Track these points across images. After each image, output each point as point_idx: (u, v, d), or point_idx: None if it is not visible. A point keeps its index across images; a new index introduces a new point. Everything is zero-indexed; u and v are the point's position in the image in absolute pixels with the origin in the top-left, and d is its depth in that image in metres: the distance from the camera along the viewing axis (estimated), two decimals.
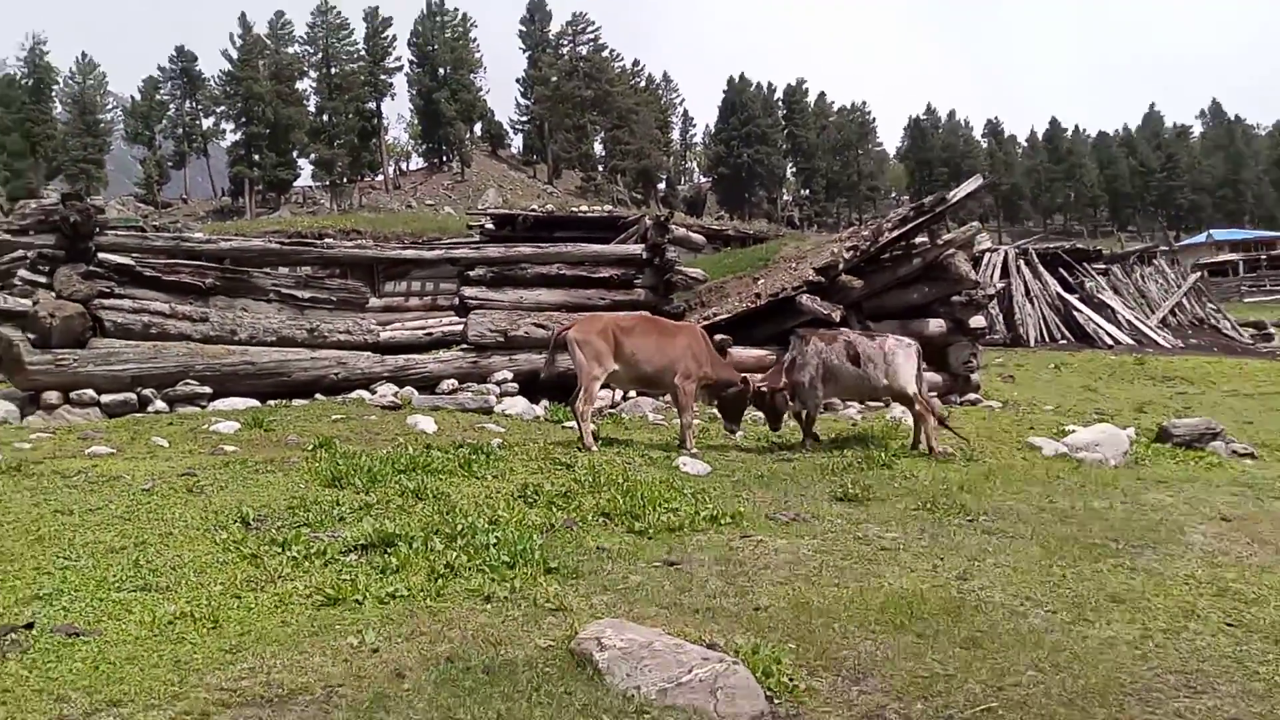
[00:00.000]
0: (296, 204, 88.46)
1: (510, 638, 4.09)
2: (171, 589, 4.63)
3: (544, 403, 11.82)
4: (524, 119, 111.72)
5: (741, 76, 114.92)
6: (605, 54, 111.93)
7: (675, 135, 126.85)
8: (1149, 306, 32.51)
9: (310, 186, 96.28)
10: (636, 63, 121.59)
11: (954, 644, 4.24)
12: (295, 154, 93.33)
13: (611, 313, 11.30)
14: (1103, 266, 33.29)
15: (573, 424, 10.22)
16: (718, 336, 13.23)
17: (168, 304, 11.23)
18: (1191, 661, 4.14)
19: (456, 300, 13.71)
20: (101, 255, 11.03)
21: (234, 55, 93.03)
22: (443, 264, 14.19)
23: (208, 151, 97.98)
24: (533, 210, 25.85)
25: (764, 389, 9.76)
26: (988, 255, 29.48)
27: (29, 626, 4.02)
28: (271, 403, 10.79)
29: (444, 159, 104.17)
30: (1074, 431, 10.16)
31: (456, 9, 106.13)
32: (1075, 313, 29.44)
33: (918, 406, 9.69)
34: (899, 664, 4.01)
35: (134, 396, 10.37)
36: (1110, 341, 27.95)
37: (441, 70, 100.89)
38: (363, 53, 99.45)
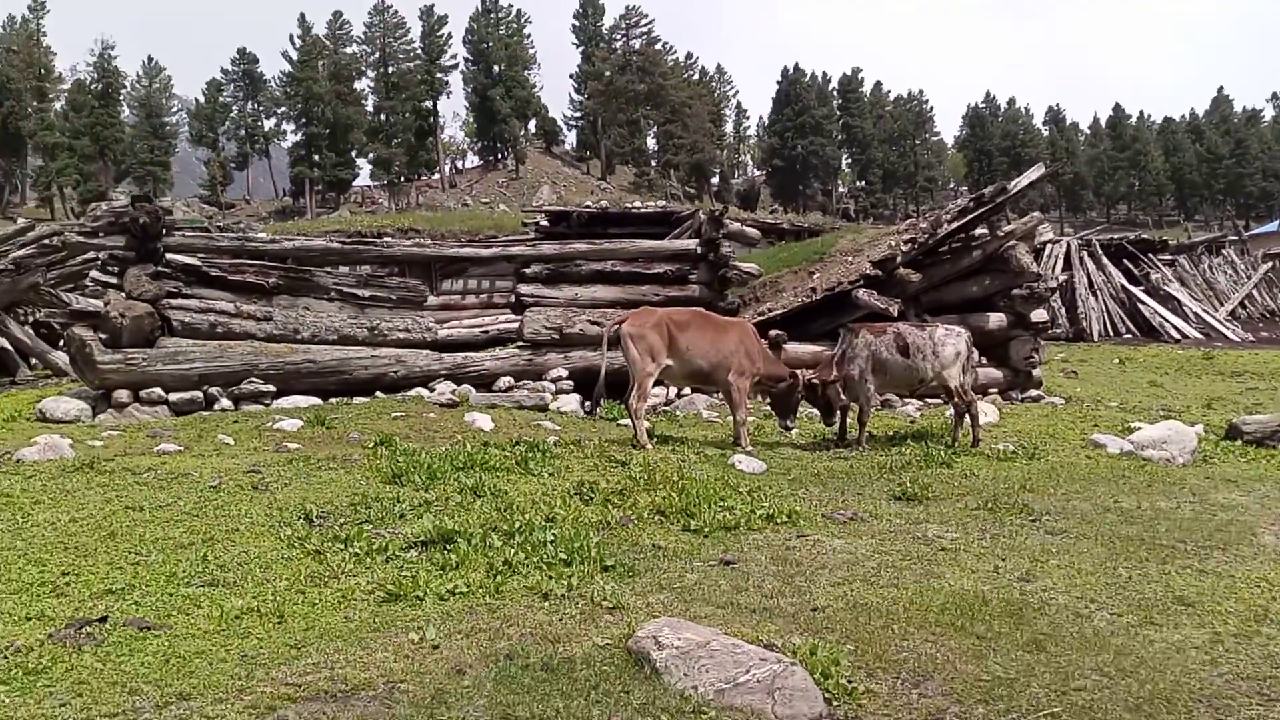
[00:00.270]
0: (355, 203, 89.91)
1: (568, 635, 4.13)
2: (238, 584, 4.75)
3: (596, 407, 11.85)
4: (577, 115, 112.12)
5: (796, 67, 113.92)
6: (658, 47, 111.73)
7: (729, 128, 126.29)
8: (1217, 298, 31.62)
9: (369, 186, 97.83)
10: (690, 55, 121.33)
11: (1016, 647, 4.18)
12: (354, 153, 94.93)
13: (664, 308, 11.30)
14: (1169, 257, 32.43)
15: (627, 421, 10.24)
16: (772, 332, 13.16)
17: (233, 303, 11.48)
18: (1264, 667, 4.03)
19: (512, 297, 13.82)
20: (169, 256, 11.31)
21: (294, 56, 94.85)
22: (499, 261, 14.35)
23: (269, 152, 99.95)
24: (587, 206, 26.02)
25: (815, 381, 9.72)
26: (1049, 247, 28.86)
27: (103, 620, 4.16)
28: (333, 400, 10.99)
29: (499, 156, 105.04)
30: (1139, 429, 9.91)
31: (511, 6, 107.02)
32: (1140, 305, 28.74)
33: (957, 399, 9.64)
34: (960, 667, 3.96)
35: (200, 395, 10.64)
36: (1177, 335, 27.25)
37: (496, 67, 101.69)
38: (419, 51, 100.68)
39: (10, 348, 16.42)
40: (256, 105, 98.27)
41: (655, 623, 4.08)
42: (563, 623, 4.29)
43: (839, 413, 9.90)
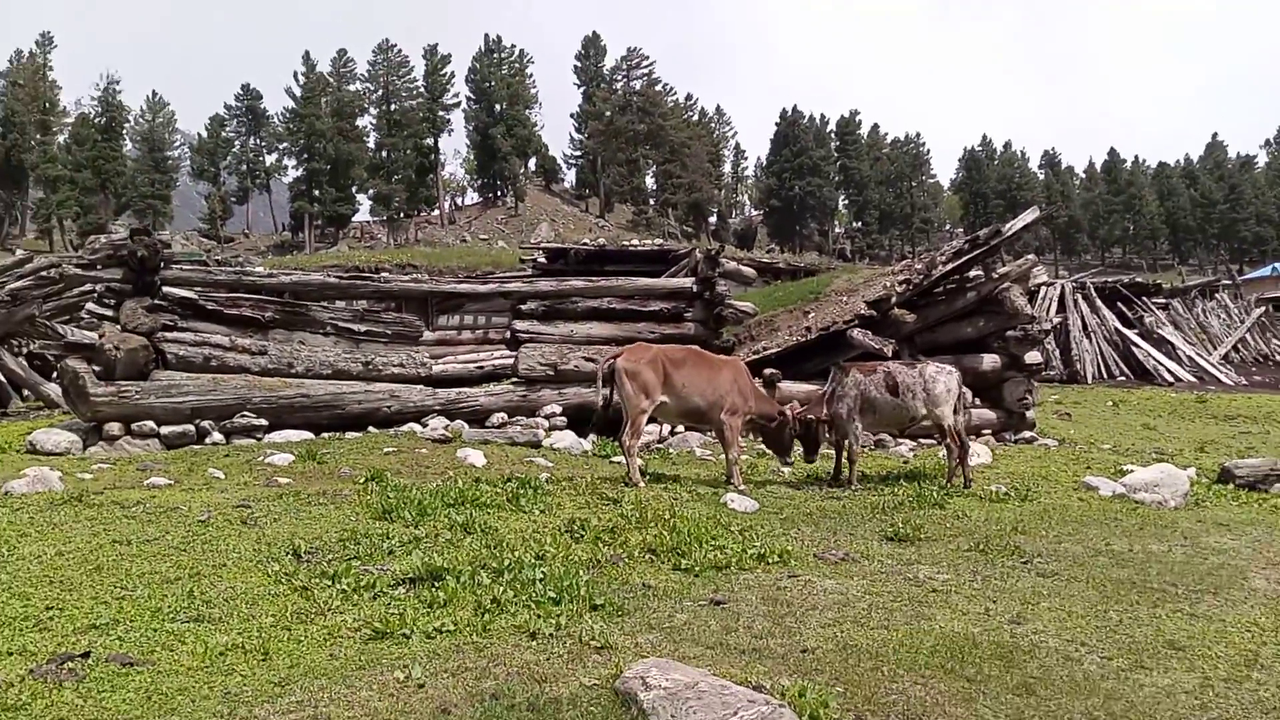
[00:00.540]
0: (354, 238, 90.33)
1: (555, 675, 4.10)
2: (224, 620, 4.72)
3: (592, 437, 11.85)
4: (577, 153, 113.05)
5: (794, 109, 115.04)
6: (659, 88, 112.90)
7: (727, 168, 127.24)
8: (1211, 342, 31.75)
9: (368, 221, 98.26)
10: (690, 96, 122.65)
11: (1006, 690, 4.15)
12: (354, 189, 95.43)
13: (660, 346, 11.33)
14: (1163, 301, 32.63)
15: (620, 458, 10.23)
16: (767, 370, 13.19)
17: (228, 337, 11.51)
18: (1253, 713, 4.00)
19: (508, 333, 13.85)
20: (166, 289, 11.36)
21: (297, 92, 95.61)
22: (495, 298, 14.40)
23: (270, 187, 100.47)
24: (584, 244, 26.13)
25: (808, 418, 9.74)
26: (1044, 289, 29.04)
27: (85, 655, 4.12)
28: (325, 435, 10.98)
29: (498, 193, 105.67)
30: (1132, 471, 9.91)
31: (514, 45, 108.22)
32: (1134, 348, 28.84)
33: (949, 439, 9.66)
34: (949, 710, 3.93)
35: (192, 428, 10.62)
36: (1170, 378, 27.31)
37: (498, 106, 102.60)
38: (422, 89, 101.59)
39: (3, 379, 16.42)
40: (258, 140, 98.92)
41: (643, 663, 4.05)
42: (550, 662, 4.26)
43: (839, 451, 9.90)
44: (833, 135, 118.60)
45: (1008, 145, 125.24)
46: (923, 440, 12.58)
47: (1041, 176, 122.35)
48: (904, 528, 7.31)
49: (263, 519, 6.77)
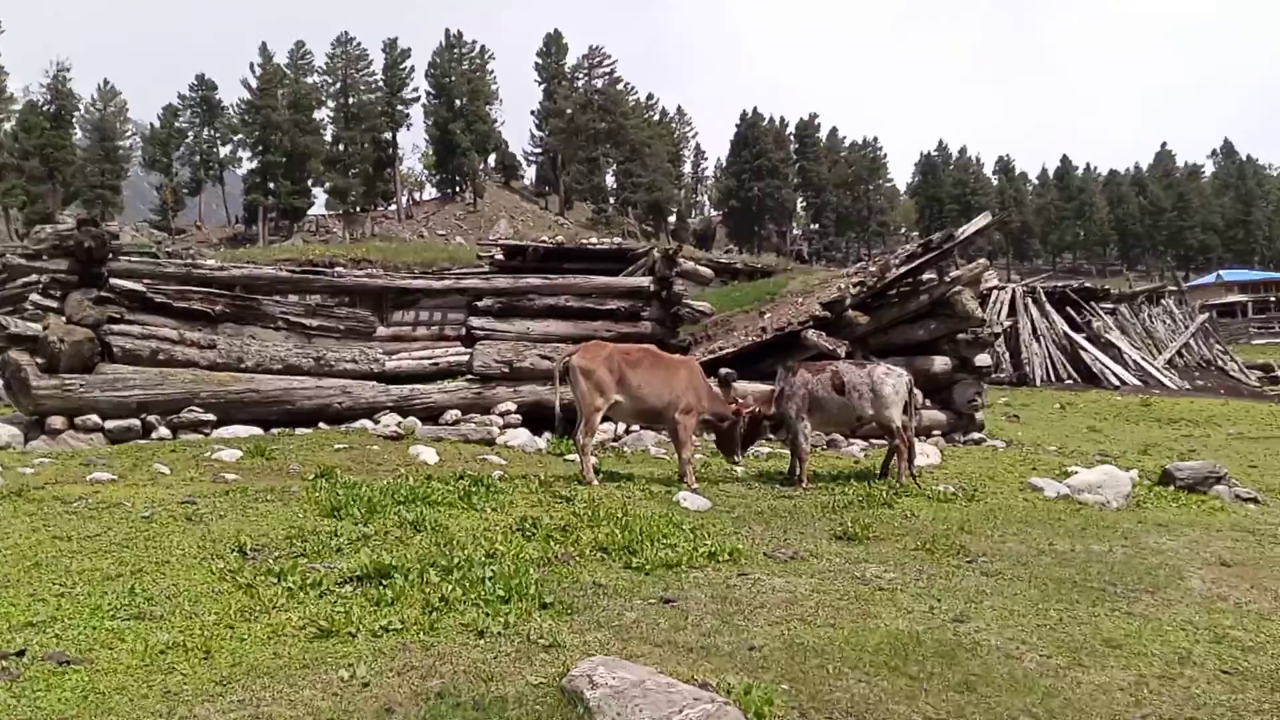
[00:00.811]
0: (310, 232, 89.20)
1: (502, 673, 4.09)
2: (165, 618, 4.64)
3: (546, 435, 11.83)
4: (537, 150, 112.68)
5: (754, 111, 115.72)
6: (620, 87, 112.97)
7: (687, 168, 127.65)
8: (1156, 347, 32.45)
9: (324, 215, 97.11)
10: (651, 96, 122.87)
11: (948, 688, 4.22)
12: (310, 182, 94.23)
13: (615, 344, 11.34)
14: (1110, 306, 33.28)
15: (574, 456, 10.22)
16: (722, 370, 13.28)
17: (177, 330, 11.31)
18: (1186, 709, 4.11)
19: (463, 330, 13.78)
20: (114, 281, 11.14)
21: (254, 84, 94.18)
22: (451, 294, 14.29)
23: (223, 179, 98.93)
24: (543, 241, 25.97)
25: (758, 412, 9.86)
26: (995, 293, 29.50)
27: (20, 654, 4.03)
28: (275, 431, 10.85)
29: (457, 189, 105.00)
30: (1076, 473, 10.11)
31: (475, 41, 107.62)
32: (1082, 352, 29.39)
33: (897, 440, 9.77)
34: (892, 707, 3.99)
35: (138, 423, 10.44)
36: (1116, 382, 27.87)
37: (458, 101, 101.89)
38: (380, 83, 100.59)
39: None
40: (213, 131, 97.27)
41: (590, 661, 4.05)
42: (497, 661, 4.25)
43: (793, 450, 9.96)
44: (792, 138, 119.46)
45: (963, 150, 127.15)
46: (874, 440, 12.72)
47: (996, 182, 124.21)
48: (853, 527, 7.38)
49: (208, 515, 6.67)
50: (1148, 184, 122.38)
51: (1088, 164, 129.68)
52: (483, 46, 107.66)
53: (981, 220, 15.22)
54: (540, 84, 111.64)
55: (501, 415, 12.29)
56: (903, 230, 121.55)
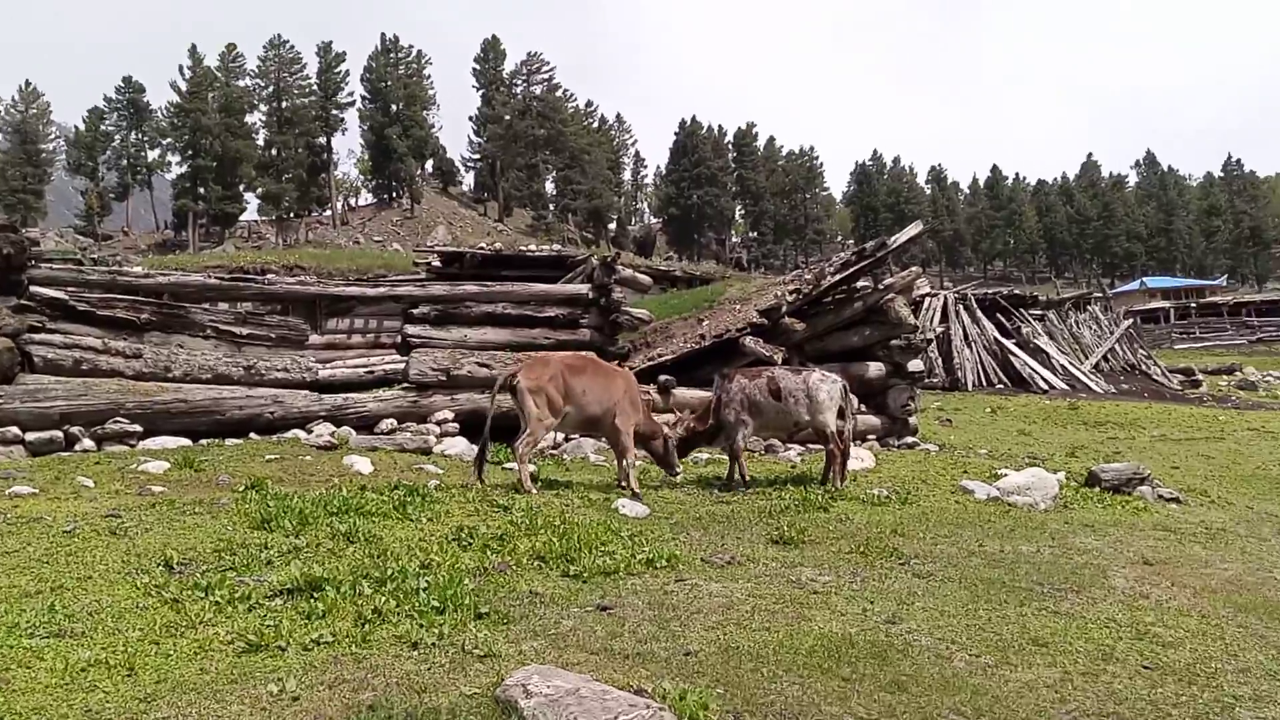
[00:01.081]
0: (241, 238, 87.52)
1: (435, 685, 4.04)
2: (87, 635, 4.51)
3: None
4: (476, 157, 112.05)
5: (693, 119, 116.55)
6: (559, 94, 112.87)
7: (627, 176, 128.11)
8: (1083, 352, 33.31)
9: (256, 221, 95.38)
10: (590, 103, 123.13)
11: (879, 688, 4.28)
12: (242, 187, 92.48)
13: (556, 353, 11.31)
14: (1039, 312, 34.08)
15: (513, 465, 10.18)
16: (661, 377, 13.32)
17: (101, 340, 11.00)
18: (1108, 704, 4.22)
19: (400, 338, 13.63)
20: (34, 289, 10.81)
21: (183, 87, 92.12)
22: (386, 301, 14.13)
23: (152, 184, 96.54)
24: (481, 248, 25.81)
25: (691, 428, 10.14)
26: (928, 300, 30.02)
27: None
28: (204, 442, 10.59)
29: (394, 195, 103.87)
30: (1006, 475, 10.34)
31: (411, 46, 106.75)
32: (1012, 357, 30.05)
33: (832, 445, 9.90)
34: (824, 708, 4.03)
35: (61, 434, 10.12)
36: (1045, 386, 28.55)
37: (394, 106, 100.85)
38: (315, 87, 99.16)
39: None
40: (140, 135, 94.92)
41: (524, 670, 4.03)
42: (431, 672, 4.20)
43: (732, 457, 10.04)
44: (730, 146, 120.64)
45: (897, 160, 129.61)
46: (811, 446, 12.86)
47: (929, 191, 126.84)
48: (789, 531, 7.46)
49: (133, 529, 6.49)
50: (1074, 193, 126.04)
51: (1017, 174, 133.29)
52: (419, 51, 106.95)
53: (913, 229, 15.50)
54: (478, 90, 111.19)
55: (439, 424, 12.16)
56: (839, 238, 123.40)
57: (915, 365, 14.95)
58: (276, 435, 11.04)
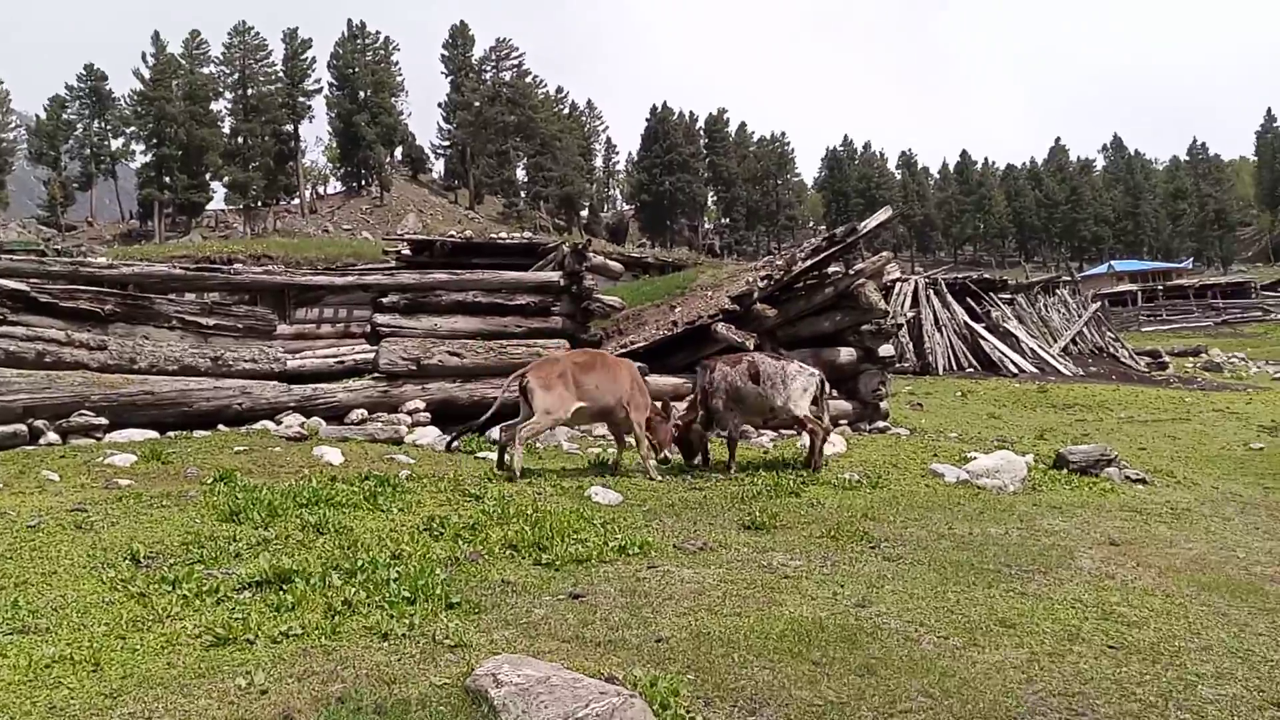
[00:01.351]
0: (208, 227, 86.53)
1: (405, 676, 4.03)
2: (51, 631, 4.45)
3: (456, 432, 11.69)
4: (446, 144, 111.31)
5: (664, 105, 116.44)
6: (529, 80, 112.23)
7: (599, 162, 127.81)
8: (1051, 335, 33.66)
9: (223, 210, 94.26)
10: (560, 89, 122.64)
11: (849, 671, 4.31)
12: (208, 176, 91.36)
13: (564, 352, 11.27)
14: (1008, 296, 34.39)
15: (484, 454, 10.22)
16: (635, 364, 13.30)
17: (64, 331, 10.82)
18: (1074, 684, 4.28)
19: (369, 327, 13.52)
20: None
21: (146, 75, 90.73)
22: (355, 290, 14.01)
23: (116, 173, 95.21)
24: (451, 236, 25.66)
25: (679, 424, 10.24)
26: (899, 285, 30.20)
27: None
28: (172, 434, 10.47)
29: (363, 183, 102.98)
30: (975, 459, 10.44)
31: (378, 32, 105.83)
32: (982, 341, 30.32)
33: (811, 426, 10.02)
34: (794, 693, 4.06)
35: (24, 428, 9.95)
36: (1015, 369, 28.83)
37: (362, 93, 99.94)
38: (281, 74, 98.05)
39: None
40: (103, 124, 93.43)
41: (495, 660, 4.02)
42: (401, 663, 4.19)
43: (730, 444, 10.25)
44: (701, 133, 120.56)
45: (867, 145, 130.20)
46: (784, 432, 12.93)
47: (899, 176, 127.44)
48: (761, 516, 7.49)
49: (99, 523, 6.41)
50: (1043, 178, 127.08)
51: (986, 159, 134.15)
52: (387, 38, 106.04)
53: (882, 214, 15.57)
54: (447, 76, 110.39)
55: (410, 414, 12.09)
56: (811, 224, 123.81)
57: (886, 350, 15.04)
58: (245, 427, 10.93)
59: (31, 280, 11.02)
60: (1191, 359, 37.58)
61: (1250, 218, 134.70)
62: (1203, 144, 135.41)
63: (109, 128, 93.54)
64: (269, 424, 11.08)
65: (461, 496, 7.93)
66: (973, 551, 6.66)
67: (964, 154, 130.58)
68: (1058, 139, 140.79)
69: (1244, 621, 5.29)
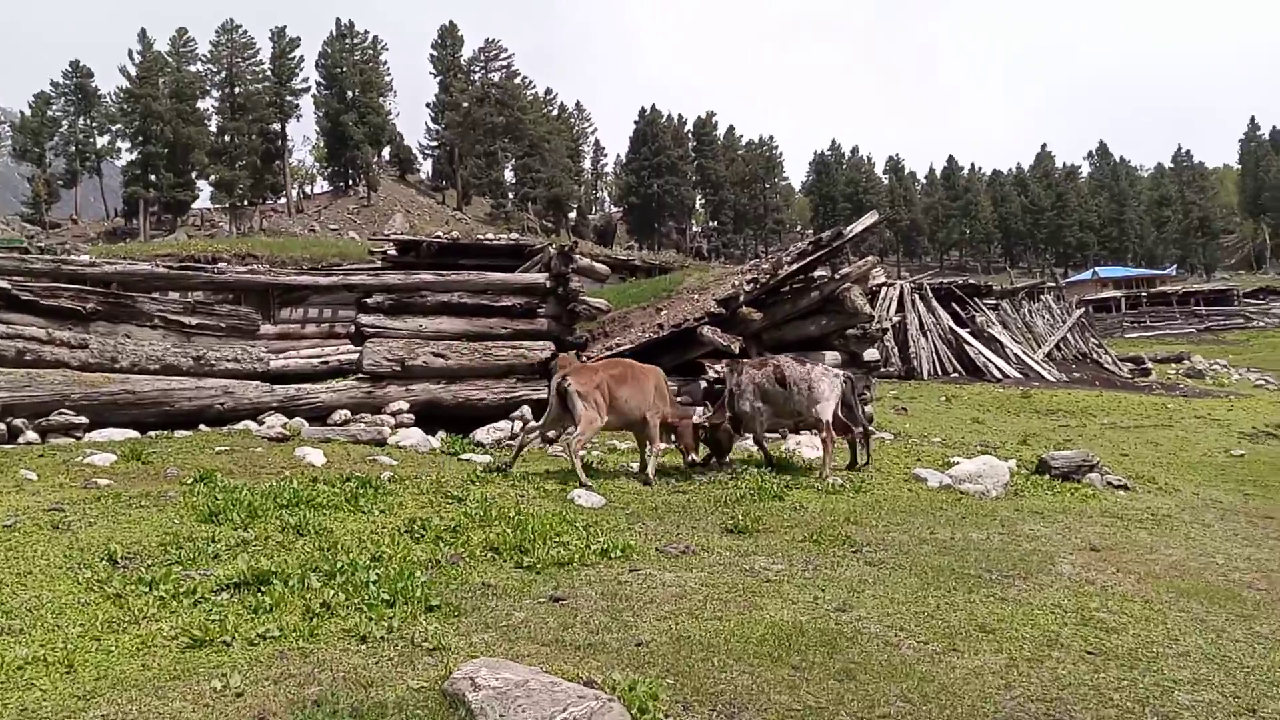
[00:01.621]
0: (194, 226, 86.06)
1: (383, 679, 4.01)
2: (25, 632, 4.41)
3: (440, 434, 11.67)
4: (434, 144, 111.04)
5: (653, 108, 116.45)
6: (517, 81, 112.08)
7: (587, 164, 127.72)
8: (1035, 341, 33.83)
9: (209, 209, 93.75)
10: (549, 91, 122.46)
11: (828, 676, 4.31)
12: (194, 175, 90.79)
13: (599, 362, 11.30)
14: (993, 302, 34.57)
15: (468, 456, 10.27)
16: (659, 371, 13.31)
17: (45, 329, 10.75)
18: (1052, 689, 4.29)
19: (353, 328, 13.46)
20: None
21: (133, 72, 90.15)
22: (340, 290, 13.94)
23: (101, 171, 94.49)
24: (438, 237, 25.57)
25: (707, 425, 10.49)
26: (884, 289, 30.31)
27: None
28: (153, 434, 10.41)
29: (350, 183, 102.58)
30: (958, 463, 10.47)
31: (367, 31, 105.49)
32: (966, 346, 30.44)
33: (824, 434, 10.09)
34: (773, 697, 4.05)
35: (3, 427, 9.88)
36: (999, 375, 28.96)
37: (350, 93, 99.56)
38: (268, 73, 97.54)
39: None
40: (89, 121, 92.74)
41: (473, 663, 4.01)
42: (379, 666, 4.17)
43: (760, 444, 10.45)
44: (690, 135, 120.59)
45: (855, 150, 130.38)
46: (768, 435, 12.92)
47: (886, 181, 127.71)
48: (744, 520, 7.49)
49: (77, 523, 6.36)
50: (1029, 184, 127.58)
51: (973, 164, 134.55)
52: (375, 37, 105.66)
53: (869, 219, 15.59)
54: (436, 77, 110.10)
55: (393, 415, 12.05)
56: (798, 227, 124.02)
57: (871, 354, 15.07)
58: (227, 427, 10.88)
59: (13, 277, 10.95)
60: (1174, 365, 37.82)
61: (1234, 225, 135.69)
62: (1187, 151, 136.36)
63: (94, 125, 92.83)
64: (251, 424, 11.03)
65: (444, 499, 7.91)
66: (954, 556, 6.67)
67: (950, 159, 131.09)
68: (1044, 145, 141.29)
69: (1221, 627, 5.32)
